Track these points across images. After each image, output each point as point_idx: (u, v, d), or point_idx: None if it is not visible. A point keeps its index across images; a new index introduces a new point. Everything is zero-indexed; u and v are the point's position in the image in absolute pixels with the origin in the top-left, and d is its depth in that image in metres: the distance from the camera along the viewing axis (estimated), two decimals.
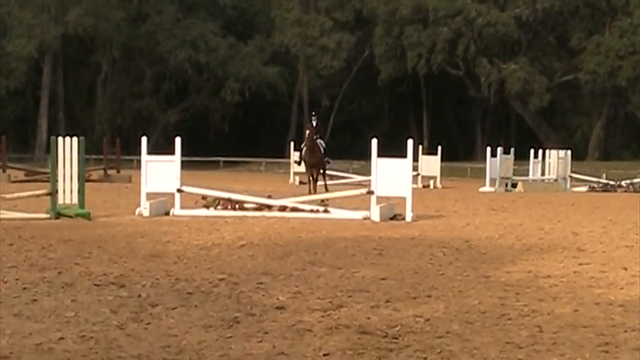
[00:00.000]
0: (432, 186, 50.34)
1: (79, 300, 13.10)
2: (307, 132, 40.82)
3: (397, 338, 11.00)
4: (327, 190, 37.76)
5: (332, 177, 54.05)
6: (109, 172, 52.78)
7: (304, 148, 40.86)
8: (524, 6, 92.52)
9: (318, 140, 40.78)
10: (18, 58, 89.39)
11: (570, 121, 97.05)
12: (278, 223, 24.93)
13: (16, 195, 28.16)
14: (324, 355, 10.16)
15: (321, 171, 41.93)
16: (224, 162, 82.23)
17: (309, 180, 41.31)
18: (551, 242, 21.19)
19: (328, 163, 42.45)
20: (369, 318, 12.15)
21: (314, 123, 41.13)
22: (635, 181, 50.26)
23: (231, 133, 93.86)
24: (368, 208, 26.59)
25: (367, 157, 26.88)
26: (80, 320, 11.77)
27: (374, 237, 21.89)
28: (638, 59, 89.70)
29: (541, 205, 34.84)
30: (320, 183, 41.74)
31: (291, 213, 27.36)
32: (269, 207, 28.01)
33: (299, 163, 44.04)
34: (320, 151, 40.36)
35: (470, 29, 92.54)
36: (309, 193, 37.05)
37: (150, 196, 27.33)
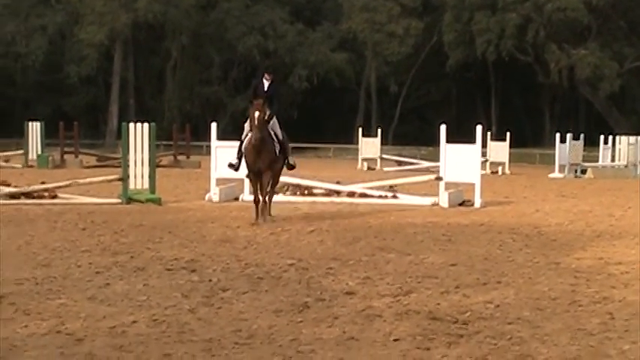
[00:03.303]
0: (500, 172, 50.15)
1: (150, 284, 13.22)
2: (255, 113, 20.91)
3: (467, 324, 10.99)
4: (269, 214, 21.81)
5: (400, 163, 53.95)
6: (179, 157, 53.13)
7: (245, 142, 21.61)
8: None
9: (271, 126, 21.71)
10: (89, 45, 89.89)
11: None
12: (347, 210, 24.94)
13: (88, 180, 28.41)
14: (394, 340, 10.17)
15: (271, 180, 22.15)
16: (292, 148, 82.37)
17: (255, 192, 21.74)
18: (622, 229, 21.06)
19: (291, 167, 23.07)
20: (438, 304, 12.15)
21: (266, 88, 22.02)
22: None
23: (299, 120, 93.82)
24: (436, 194, 26.55)
25: (435, 143, 26.86)
26: (152, 304, 11.87)
27: (442, 223, 21.87)
28: None
29: (611, 191, 34.58)
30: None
31: (360, 199, 27.37)
32: (338, 193, 28.03)
33: (235, 168, 22.40)
34: (273, 145, 21.42)
35: (539, 14, 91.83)
36: (256, 218, 21.28)
37: (219, 181, 27.48)
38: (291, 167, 22.91)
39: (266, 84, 21.97)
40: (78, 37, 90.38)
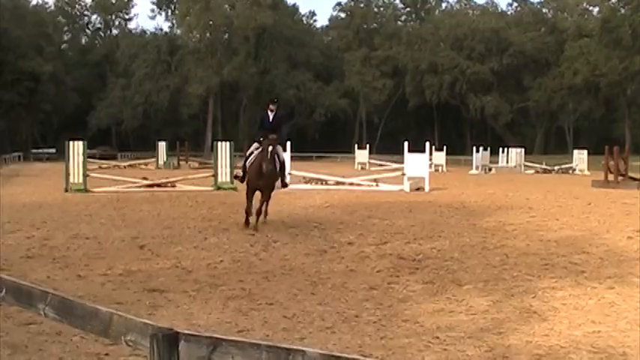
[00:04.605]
0: (440, 170, 50.06)
1: (231, 238, 13.24)
2: (269, 147, 14.89)
3: (421, 261, 10.99)
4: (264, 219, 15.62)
5: (381, 165, 53.91)
6: None
7: (251, 160, 15.48)
8: (495, 61, 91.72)
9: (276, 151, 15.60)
10: (194, 95, 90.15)
11: (523, 131, 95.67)
12: (348, 193, 24.97)
13: (195, 176, 28.41)
14: (377, 271, 10.18)
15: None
16: (315, 156, 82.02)
17: (249, 205, 15.23)
18: (513, 204, 21.03)
19: (285, 185, 16.77)
20: (404, 249, 12.14)
21: (271, 119, 15.77)
22: (563, 166, 49.69)
23: (320, 139, 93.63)
24: (402, 184, 26.55)
25: (402, 153, 26.75)
26: (232, 250, 11.90)
27: (406, 201, 21.86)
28: (564, 94, 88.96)
29: (506, 182, 34.52)
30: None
31: (356, 187, 27.35)
32: (343, 183, 27.99)
33: (242, 179, 16.13)
34: (276, 170, 15.47)
35: (463, 76, 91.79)
36: (246, 226, 14.96)
37: None
38: (285, 185, 16.41)
39: (270, 115, 15.44)
40: (187, 92, 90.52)
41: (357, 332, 6.99)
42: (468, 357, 6.23)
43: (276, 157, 15.11)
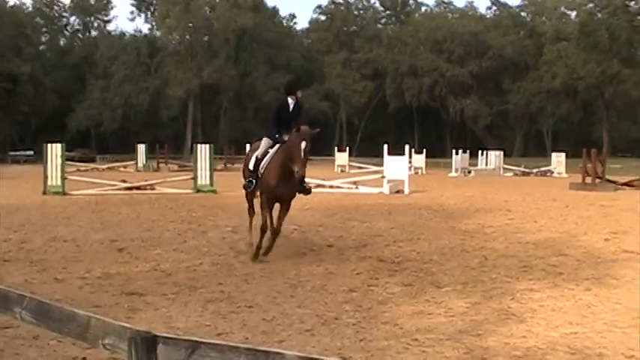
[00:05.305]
0: (419, 173, 50.13)
1: (211, 241, 13.20)
2: (302, 142, 10.63)
3: (400, 263, 11.00)
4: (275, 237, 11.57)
5: (360, 167, 53.94)
6: (227, 165, 53.09)
7: (267, 164, 11.33)
8: (474, 64, 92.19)
9: None
10: (173, 97, 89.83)
11: (503, 134, 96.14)
12: (328, 196, 24.96)
13: (174, 179, 28.30)
14: (357, 273, 10.19)
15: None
16: None
17: (265, 219, 11.22)
18: (492, 206, 21.11)
19: (309, 192, 11.62)
20: (383, 252, 12.15)
21: (291, 109, 11.70)
22: (541, 169, 49.95)
23: None
24: (382, 186, 26.58)
25: (381, 155, 26.79)
26: (211, 253, 11.86)
27: (385, 203, 21.88)
28: (543, 97, 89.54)
29: (485, 184, 34.65)
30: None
31: (336, 189, 27.33)
32: (323, 185, 27.96)
33: (250, 186, 11.73)
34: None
35: (443, 79, 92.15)
36: (258, 248, 11.19)
37: None
38: (309, 191, 11.65)
39: (291, 104, 11.61)
40: (167, 93, 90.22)
41: (337, 334, 7.00)
42: (446, 359, 6.26)
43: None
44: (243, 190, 12.42)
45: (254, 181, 11.59)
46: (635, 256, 11.70)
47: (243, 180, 12.37)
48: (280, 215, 11.38)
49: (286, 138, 11.05)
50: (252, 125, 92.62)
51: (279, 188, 11.06)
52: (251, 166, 11.75)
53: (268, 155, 11.41)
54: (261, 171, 11.44)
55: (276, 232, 11.33)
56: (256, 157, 11.65)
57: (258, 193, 11.88)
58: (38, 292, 7.76)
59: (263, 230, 11.21)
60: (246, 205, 12.71)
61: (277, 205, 11.42)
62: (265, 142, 11.65)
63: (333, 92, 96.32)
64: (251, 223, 12.25)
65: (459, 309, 8.07)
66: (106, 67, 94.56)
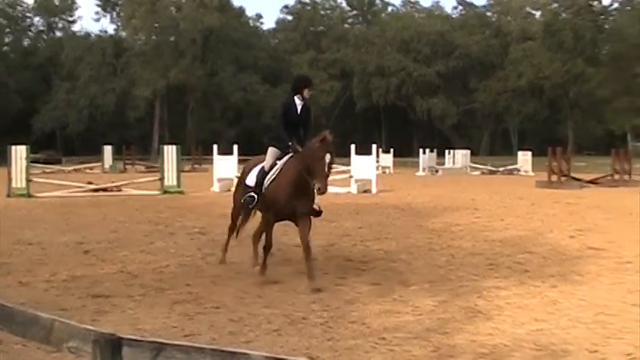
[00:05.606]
0: (387, 172, 50.26)
1: (178, 242, 13.14)
2: (326, 154, 9.25)
3: (368, 263, 11.04)
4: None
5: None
6: (195, 166, 52.85)
7: (272, 174, 9.79)
8: (441, 64, 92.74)
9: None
10: (140, 98, 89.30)
11: (470, 133, 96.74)
12: None
13: (141, 180, 28.16)
14: (324, 273, 10.20)
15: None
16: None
17: (269, 238, 9.94)
18: (459, 204, 21.24)
19: (318, 214, 10.06)
20: (351, 251, 12.18)
21: (299, 111, 10.04)
22: (508, 167, 50.35)
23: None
24: (350, 185, 26.60)
25: (349, 155, 26.81)
26: (179, 254, 11.81)
27: (353, 203, 21.92)
28: (509, 96, 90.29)
29: (453, 183, 34.85)
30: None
31: None
32: None
33: (251, 202, 10.02)
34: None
35: (410, 78, 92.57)
36: (263, 269, 9.89)
37: (219, 180, 27.32)
38: (319, 214, 10.09)
39: (299, 105, 10.00)
40: (134, 94, 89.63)
41: (304, 334, 7.01)
42: (414, 357, 6.29)
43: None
44: (231, 206, 11.39)
45: (256, 196, 9.91)
46: (599, 253, 11.85)
47: (232, 204, 11.33)
48: (301, 237, 9.68)
49: (299, 148, 9.62)
50: (220, 126, 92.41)
51: (289, 205, 9.51)
52: (251, 182, 10.15)
53: (276, 167, 9.80)
54: (267, 185, 9.80)
55: (306, 250, 9.51)
56: (262, 170, 10.00)
57: (251, 212, 10.74)
58: (2, 296, 7.67)
59: (267, 249, 9.88)
60: (229, 222, 11.32)
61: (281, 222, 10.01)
62: (272, 152, 10.05)
63: None
64: (228, 241, 11.13)
65: (427, 307, 8.12)
66: (71, 67, 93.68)
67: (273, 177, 9.75)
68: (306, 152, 9.43)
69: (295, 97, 10.06)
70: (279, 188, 9.59)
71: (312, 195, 9.59)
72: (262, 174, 9.96)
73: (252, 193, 9.95)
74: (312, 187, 9.28)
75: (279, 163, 9.83)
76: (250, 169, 10.44)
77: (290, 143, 9.78)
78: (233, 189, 12.75)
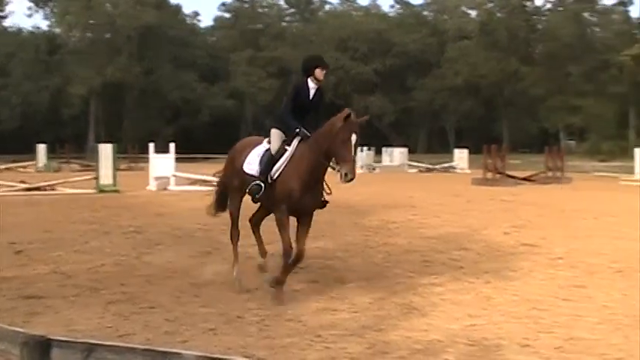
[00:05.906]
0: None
1: (113, 242, 12.97)
2: (352, 135, 8.37)
3: (304, 261, 11.03)
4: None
5: None
6: (131, 164, 52.23)
7: (282, 163, 8.56)
8: (379, 62, 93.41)
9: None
10: (75, 96, 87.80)
11: (407, 130, 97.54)
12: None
13: (76, 179, 27.70)
14: (263, 272, 10.16)
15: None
16: (201, 157, 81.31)
17: (287, 241, 8.70)
18: (395, 202, 21.42)
19: (324, 205, 9.23)
20: None
21: (311, 96, 8.94)
22: (444, 165, 50.95)
23: (205, 139, 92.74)
24: None
25: None
26: (114, 253, 11.66)
27: None
28: (446, 94, 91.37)
29: (391, 181, 35.10)
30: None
31: None
32: None
33: (258, 191, 8.72)
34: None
35: (347, 77, 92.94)
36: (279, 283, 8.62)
37: (155, 178, 27.04)
38: (324, 205, 9.37)
39: (312, 88, 8.96)
40: (69, 92, 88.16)
41: (241, 333, 7.00)
42: (349, 354, 6.34)
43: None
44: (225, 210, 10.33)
45: (262, 185, 8.65)
46: (532, 249, 12.10)
47: (214, 195, 10.52)
48: (299, 236, 8.75)
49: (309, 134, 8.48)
50: (157, 124, 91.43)
51: (304, 198, 8.52)
52: (250, 168, 8.92)
53: (287, 154, 8.62)
54: (276, 175, 8.60)
55: (300, 256, 8.63)
56: (267, 154, 8.74)
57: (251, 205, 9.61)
58: None
59: (288, 254, 8.60)
60: (230, 225, 9.98)
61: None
62: (278, 135, 8.80)
63: (239, 90, 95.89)
64: (236, 249, 9.71)
65: (363, 304, 8.18)
66: (2, 64, 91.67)
67: (285, 164, 8.56)
68: (324, 134, 8.32)
69: (309, 80, 8.96)
70: (293, 178, 8.43)
71: (323, 185, 8.87)
72: (269, 159, 8.66)
73: (259, 182, 8.68)
74: (324, 176, 8.50)
75: (289, 149, 8.62)
76: (246, 154, 9.13)
77: (298, 129, 8.64)
78: (216, 179, 11.49)
